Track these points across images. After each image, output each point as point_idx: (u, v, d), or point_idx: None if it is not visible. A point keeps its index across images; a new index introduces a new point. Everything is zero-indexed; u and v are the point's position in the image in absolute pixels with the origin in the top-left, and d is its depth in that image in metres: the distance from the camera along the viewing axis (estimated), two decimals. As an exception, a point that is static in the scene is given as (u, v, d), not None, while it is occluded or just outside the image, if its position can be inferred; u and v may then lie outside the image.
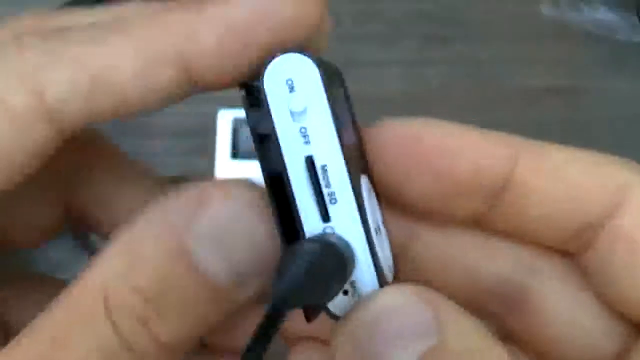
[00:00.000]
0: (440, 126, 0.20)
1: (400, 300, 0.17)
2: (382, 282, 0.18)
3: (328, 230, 0.18)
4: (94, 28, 0.18)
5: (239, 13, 0.18)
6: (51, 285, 0.20)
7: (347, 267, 0.17)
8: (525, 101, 0.43)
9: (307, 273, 0.16)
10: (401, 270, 0.20)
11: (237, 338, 0.21)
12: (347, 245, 0.18)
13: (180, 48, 0.18)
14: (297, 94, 0.18)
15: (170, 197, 0.18)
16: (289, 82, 0.18)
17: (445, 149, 0.19)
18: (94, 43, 0.18)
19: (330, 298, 0.18)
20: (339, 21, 0.45)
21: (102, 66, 0.17)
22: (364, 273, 0.18)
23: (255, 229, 0.18)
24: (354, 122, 0.20)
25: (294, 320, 0.19)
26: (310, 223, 0.18)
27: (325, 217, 0.18)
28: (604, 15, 0.44)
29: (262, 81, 0.18)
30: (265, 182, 0.18)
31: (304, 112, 0.18)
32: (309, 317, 0.18)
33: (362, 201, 0.18)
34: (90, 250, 0.38)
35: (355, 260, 0.18)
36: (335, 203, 0.18)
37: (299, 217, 0.18)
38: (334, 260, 0.17)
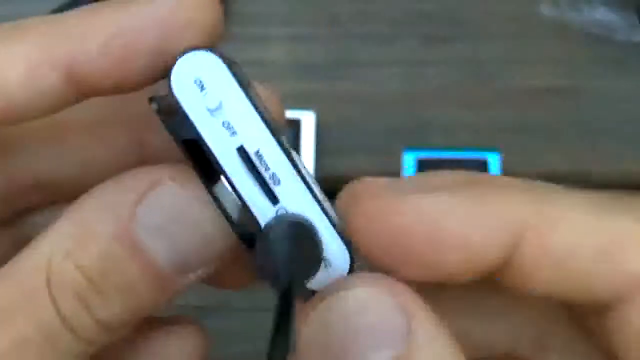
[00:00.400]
0: (431, 203, 0.17)
1: (376, 299, 0.17)
2: (346, 242, 0.18)
3: (281, 212, 0.18)
4: None
5: (128, 18, 0.18)
6: None
7: (318, 238, 0.18)
8: (525, 101, 0.43)
9: (293, 256, 0.17)
10: None
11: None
12: (304, 218, 0.18)
13: (66, 53, 0.17)
14: (208, 90, 0.17)
15: (119, 178, 0.18)
16: (198, 81, 0.17)
17: (435, 240, 0.17)
18: None
19: (316, 272, 0.18)
20: (339, 21, 0.45)
21: None
22: (328, 240, 0.18)
23: (202, 216, 0.18)
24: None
25: None
26: (262, 210, 0.18)
27: (274, 199, 0.18)
28: (604, 15, 0.44)
29: (171, 87, 0.17)
30: (205, 185, 0.18)
31: (220, 106, 0.17)
32: (306, 299, 0.18)
33: (303, 173, 0.18)
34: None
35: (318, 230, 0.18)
36: (279, 184, 0.18)
37: (248, 208, 0.18)
38: (307, 235, 0.17)
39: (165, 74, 0.18)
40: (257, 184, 0.18)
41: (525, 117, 0.42)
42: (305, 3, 0.45)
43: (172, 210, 0.18)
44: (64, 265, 0.17)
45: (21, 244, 0.18)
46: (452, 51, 0.44)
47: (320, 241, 0.18)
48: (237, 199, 0.18)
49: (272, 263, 0.16)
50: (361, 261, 0.18)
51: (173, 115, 0.18)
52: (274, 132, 0.18)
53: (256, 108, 0.18)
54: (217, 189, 0.18)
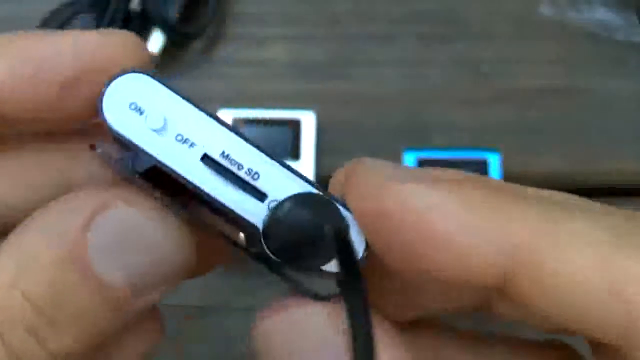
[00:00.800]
0: (426, 195, 0.16)
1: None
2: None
3: (273, 205, 0.17)
4: None
5: (42, 46, 0.17)
6: None
7: (332, 204, 0.17)
8: (525, 101, 0.43)
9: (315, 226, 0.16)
10: None
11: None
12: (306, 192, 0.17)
13: None
14: (147, 111, 0.16)
15: (64, 200, 0.17)
16: (133, 106, 0.16)
17: (422, 234, 0.16)
18: None
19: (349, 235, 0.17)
20: (339, 21, 0.45)
21: None
22: None
23: (156, 236, 0.17)
24: None
25: None
26: (253, 212, 0.17)
27: (260, 195, 0.17)
28: (603, 15, 0.44)
29: (106, 120, 0.16)
30: (185, 205, 0.17)
31: (166, 123, 0.16)
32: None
33: (276, 156, 0.17)
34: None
35: None
36: (258, 177, 0.17)
37: (239, 216, 0.17)
38: (319, 201, 0.16)
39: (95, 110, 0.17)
40: (236, 186, 0.17)
41: (525, 117, 0.42)
42: (305, 3, 0.45)
43: (124, 232, 0.17)
44: (10, 297, 0.16)
45: None
46: (452, 51, 0.44)
47: (337, 207, 0.17)
48: (227, 212, 0.17)
49: (300, 243, 0.16)
50: None
51: (122, 152, 0.17)
52: (231, 127, 0.17)
53: (202, 110, 0.17)
54: (202, 214, 0.17)
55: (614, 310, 0.15)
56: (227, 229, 0.18)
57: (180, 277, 0.18)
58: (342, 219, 0.17)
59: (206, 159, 0.16)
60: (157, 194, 0.17)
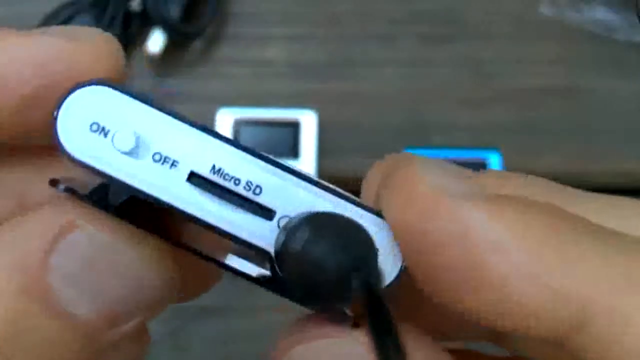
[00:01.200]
0: (485, 221, 0.13)
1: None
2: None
3: (283, 222, 0.14)
4: None
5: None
6: None
7: (355, 221, 0.14)
8: (525, 101, 0.43)
9: (343, 249, 0.13)
10: None
11: None
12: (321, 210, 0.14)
13: None
14: (114, 131, 0.13)
15: (19, 222, 0.15)
16: (95, 127, 0.13)
17: (471, 267, 0.13)
18: None
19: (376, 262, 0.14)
20: (339, 21, 0.45)
21: None
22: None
23: (131, 259, 0.15)
24: None
25: None
26: (260, 235, 0.14)
27: (267, 212, 0.14)
28: (603, 15, 0.44)
29: (64, 149, 0.13)
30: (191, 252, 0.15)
31: (138, 142, 0.13)
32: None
33: (280, 162, 0.14)
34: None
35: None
36: (260, 191, 0.14)
37: (244, 241, 0.14)
38: (340, 222, 0.13)
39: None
40: (235, 206, 0.14)
41: (525, 117, 0.42)
42: (304, 3, 0.45)
43: (92, 256, 0.15)
44: None
45: None
46: (452, 51, 0.44)
47: (360, 224, 0.13)
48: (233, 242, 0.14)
49: (323, 275, 0.13)
50: None
51: (93, 182, 0.14)
52: (218, 135, 0.14)
53: (182, 119, 0.14)
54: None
55: None
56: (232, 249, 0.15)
57: (163, 303, 0.16)
58: (373, 255, 0.13)
59: (194, 178, 0.14)
60: (142, 231, 0.15)
